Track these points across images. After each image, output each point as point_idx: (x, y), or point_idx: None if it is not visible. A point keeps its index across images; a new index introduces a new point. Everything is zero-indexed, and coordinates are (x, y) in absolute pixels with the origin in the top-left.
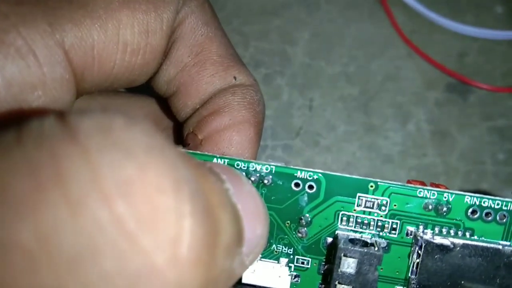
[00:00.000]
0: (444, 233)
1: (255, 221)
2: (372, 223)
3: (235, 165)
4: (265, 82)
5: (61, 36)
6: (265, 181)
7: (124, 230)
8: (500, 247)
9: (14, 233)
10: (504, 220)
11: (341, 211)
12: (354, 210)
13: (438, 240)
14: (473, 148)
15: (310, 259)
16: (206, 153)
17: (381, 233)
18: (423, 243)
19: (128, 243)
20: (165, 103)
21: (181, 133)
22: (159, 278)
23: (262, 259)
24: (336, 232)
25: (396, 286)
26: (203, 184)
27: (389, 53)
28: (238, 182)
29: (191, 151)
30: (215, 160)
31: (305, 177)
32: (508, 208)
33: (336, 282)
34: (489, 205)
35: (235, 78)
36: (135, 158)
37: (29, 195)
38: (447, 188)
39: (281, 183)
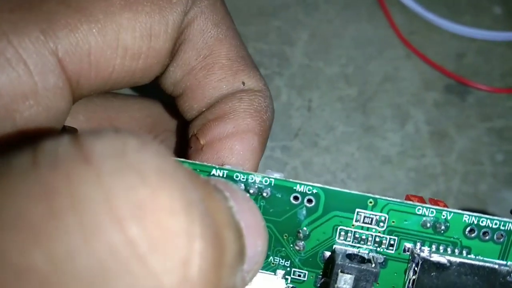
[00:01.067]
0: (441, 250)
1: (256, 238)
2: (370, 238)
3: (234, 177)
4: None
5: (54, 43)
6: (264, 194)
7: (136, 253)
8: (496, 266)
9: (29, 257)
10: (501, 240)
11: (339, 225)
12: (353, 225)
13: (435, 258)
14: (472, 149)
15: (307, 272)
16: (205, 163)
17: (378, 249)
18: (420, 261)
19: (139, 266)
20: (172, 100)
21: (187, 132)
22: None
23: (259, 270)
24: (334, 246)
25: None
26: (210, 204)
27: (388, 54)
28: (240, 199)
29: (190, 161)
30: (214, 171)
31: (304, 191)
32: (506, 228)
33: None
34: (487, 225)
35: (243, 83)
36: (147, 181)
37: (44, 220)
38: (446, 205)
39: (280, 196)
